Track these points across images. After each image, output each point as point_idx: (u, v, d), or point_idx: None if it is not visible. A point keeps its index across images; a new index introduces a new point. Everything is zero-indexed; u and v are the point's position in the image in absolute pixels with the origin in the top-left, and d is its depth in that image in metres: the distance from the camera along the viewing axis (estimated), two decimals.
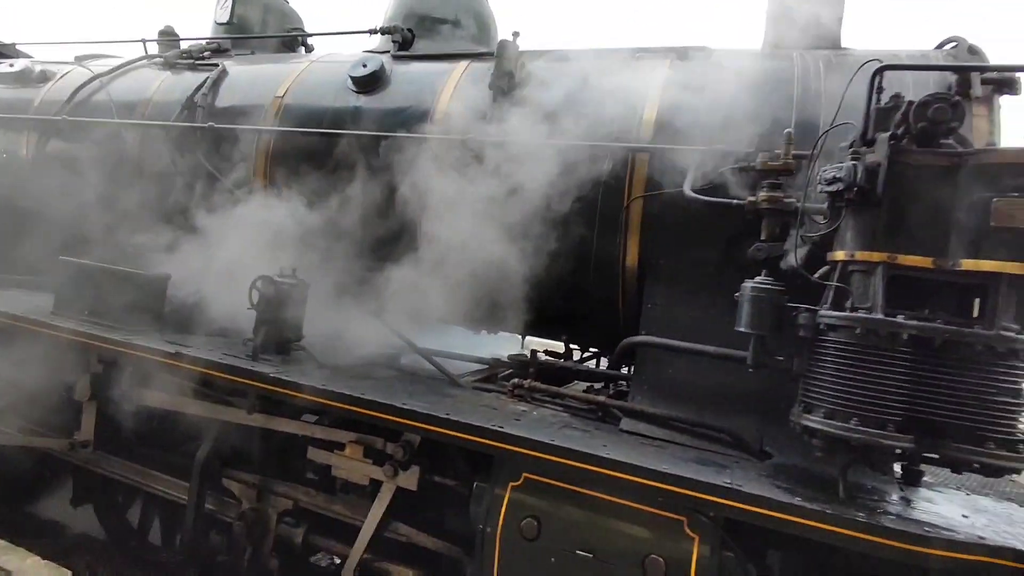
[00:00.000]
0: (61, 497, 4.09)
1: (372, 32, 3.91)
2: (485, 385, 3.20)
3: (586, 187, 2.84)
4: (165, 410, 3.27)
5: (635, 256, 2.87)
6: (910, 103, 2.03)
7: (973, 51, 2.68)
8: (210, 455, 3.17)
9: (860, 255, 2.09)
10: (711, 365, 2.63)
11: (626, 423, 2.70)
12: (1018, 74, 2.46)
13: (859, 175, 2.04)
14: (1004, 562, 1.81)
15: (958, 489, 2.55)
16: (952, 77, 2.56)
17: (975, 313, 2.03)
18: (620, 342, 2.91)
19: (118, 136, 4.11)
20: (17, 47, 5.74)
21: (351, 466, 2.80)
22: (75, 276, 3.50)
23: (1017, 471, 2.01)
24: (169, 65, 4.37)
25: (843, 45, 3.31)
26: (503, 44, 3.10)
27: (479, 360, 3.69)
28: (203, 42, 4.53)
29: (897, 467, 2.46)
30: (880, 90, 2.19)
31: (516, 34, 3.23)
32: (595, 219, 2.96)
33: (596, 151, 2.83)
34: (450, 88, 3.34)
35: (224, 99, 3.95)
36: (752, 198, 2.37)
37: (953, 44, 2.87)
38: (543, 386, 2.98)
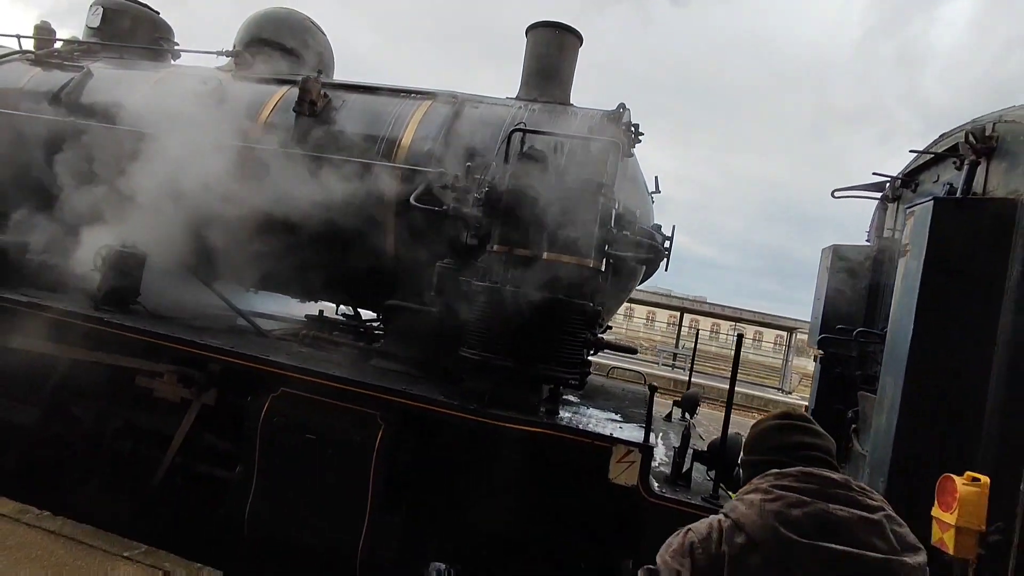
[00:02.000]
0: None
1: (219, 53, 4.80)
2: (287, 336, 4.24)
3: (360, 192, 3.91)
4: (25, 351, 4.07)
5: (392, 245, 3.98)
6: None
7: (619, 115, 3.95)
8: (57, 386, 4.01)
9: (497, 247, 3.29)
10: (434, 320, 3.78)
11: (375, 361, 3.82)
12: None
13: (491, 198, 3.24)
14: (544, 431, 3.05)
15: (586, 406, 3.85)
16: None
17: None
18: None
19: None
20: None
21: (168, 389, 3.75)
22: None
23: (576, 379, 3.28)
24: (40, 62, 5.06)
25: (571, 101, 4.57)
26: (305, 79, 4.11)
27: (295, 319, 4.72)
28: (75, 42, 5.23)
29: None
30: (522, 143, 3.40)
31: (320, 72, 4.26)
32: (369, 218, 4.03)
33: (365, 167, 3.90)
34: (269, 107, 4.32)
35: (88, 96, 4.72)
36: (446, 207, 3.53)
37: (619, 106, 4.16)
38: (322, 335, 4.05)
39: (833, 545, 1.09)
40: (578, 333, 3.26)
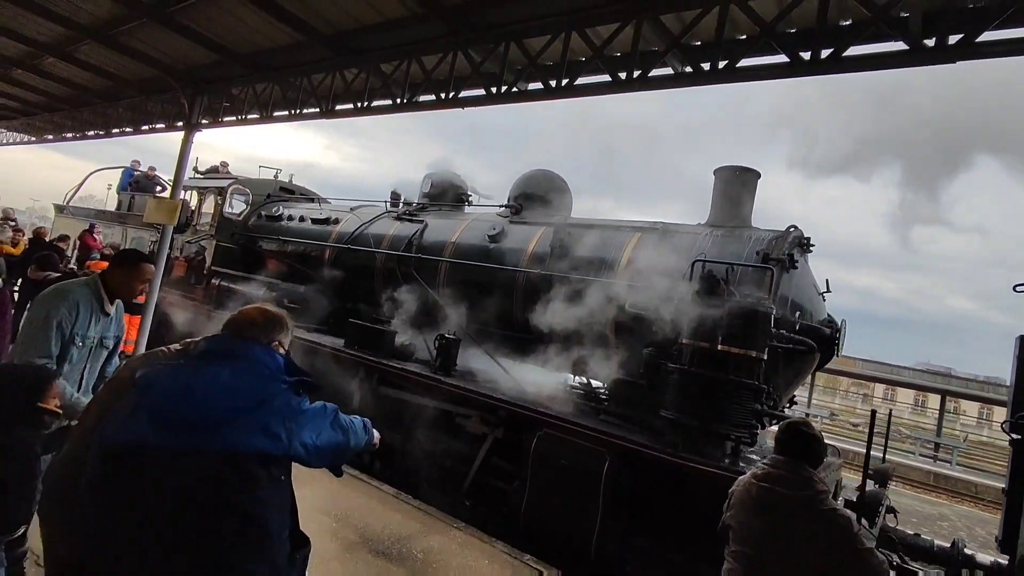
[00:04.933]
0: None
1: (501, 206, 7.32)
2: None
3: (594, 300, 5.79)
4: (391, 397, 6.74)
5: (613, 336, 5.73)
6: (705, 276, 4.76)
7: (786, 236, 5.19)
8: (409, 422, 6.54)
9: (686, 341, 4.80)
10: (643, 389, 5.35)
11: (602, 416, 5.52)
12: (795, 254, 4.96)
13: (680, 306, 4.80)
14: (715, 470, 4.35)
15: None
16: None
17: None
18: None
19: (373, 257, 7.96)
20: (321, 196, 10.35)
21: (473, 426, 5.96)
22: (355, 329, 7.24)
23: (747, 436, 4.50)
24: (398, 218, 8.22)
25: (752, 224, 5.91)
26: (557, 226, 6.24)
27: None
28: (414, 203, 8.34)
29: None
30: (696, 268, 4.91)
31: (565, 217, 6.37)
32: (599, 318, 5.86)
33: (595, 282, 5.79)
34: (533, 243, 6.55)
35: (427, 239, 7.58)
36: (651, 311, 5.17)
37: (789, 227, 5.38)
38: (567, 397, 5.92)
39: (763, 484, 2.49)
40: (746, 404, 4.54)
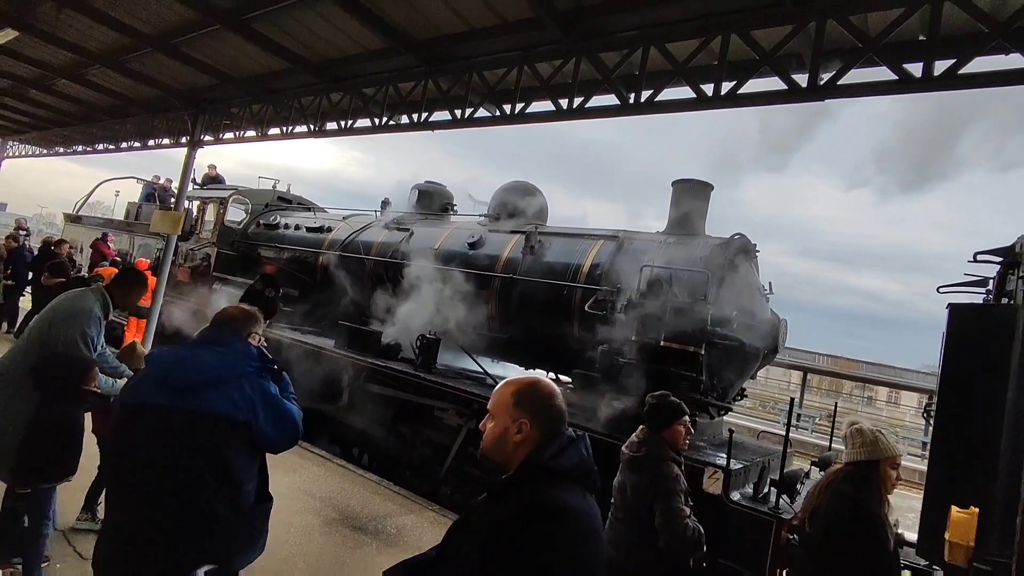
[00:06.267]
0: None
1: (481, 215, 7.87)
2: None
3: (558, 300, 6.33)
4: (378, 393, 7.29)
5: (577, 334, 6.26)
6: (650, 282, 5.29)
7: (736, 240, 5.71)
8: (393, 415, 7.09)
9: (634, 338, 5.32)
10: (599, 382, 5.87)
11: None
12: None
13: (630, 307, 5.33)
14: None
15: (711, 450, 5.44)
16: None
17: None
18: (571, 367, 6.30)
19: (362, 263, 8.52)
20: (316, 205, 10.94)
21: (450, 418, 6.49)
22: (345, 330, 7.79)
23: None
24: (386, 226, 8.78)
25: (705, 232, 6.44)
26: (529, 232, 6.78)
27: None
28: (402, 213, 8.90)
29: None
30: (644, 273, 5.44)
31: (537, 225, 6.92)
32: (563, 317, 6.40)
33: (560, 286, 6.33)
34: (507, 249, 7.09)
35: (413, 246, 8.14)
36: (605, 312, 5.70)
37: (734, 235, 5.90)
38: None
39: (623, 448, 3.03)
40: (686, 394, 5.02)
